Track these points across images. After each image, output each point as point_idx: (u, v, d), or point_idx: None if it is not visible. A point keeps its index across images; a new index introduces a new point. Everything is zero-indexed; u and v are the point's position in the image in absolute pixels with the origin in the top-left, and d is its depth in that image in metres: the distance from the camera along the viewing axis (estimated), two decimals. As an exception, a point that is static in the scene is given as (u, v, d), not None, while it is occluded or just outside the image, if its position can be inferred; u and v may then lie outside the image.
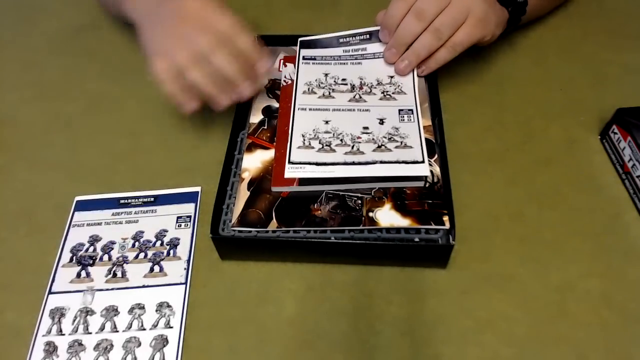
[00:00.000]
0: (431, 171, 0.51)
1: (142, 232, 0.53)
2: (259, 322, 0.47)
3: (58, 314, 0.48)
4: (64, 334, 0.47)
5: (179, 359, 0.45)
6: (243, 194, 0.50)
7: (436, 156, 0.52)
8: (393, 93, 0.57)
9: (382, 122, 0.54)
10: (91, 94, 0.66)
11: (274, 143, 0.54)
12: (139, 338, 0.46)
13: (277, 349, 0.45)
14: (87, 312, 0.48)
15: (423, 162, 0.51)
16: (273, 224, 0.48)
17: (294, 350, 0.45)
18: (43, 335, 0.47)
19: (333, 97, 0.57)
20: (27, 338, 0.47)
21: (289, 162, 0.51)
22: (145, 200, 0.55)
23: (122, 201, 0.55)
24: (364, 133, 0.53)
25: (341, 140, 0.53)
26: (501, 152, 0.57)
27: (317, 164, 0.51)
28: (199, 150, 0.59)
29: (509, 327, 0.46)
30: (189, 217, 0.54)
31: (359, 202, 0.49)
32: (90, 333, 0.47)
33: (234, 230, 0.49)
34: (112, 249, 0.52)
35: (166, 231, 0.53)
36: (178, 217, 0.54)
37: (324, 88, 0.58)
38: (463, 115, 0.60)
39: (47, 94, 0.67)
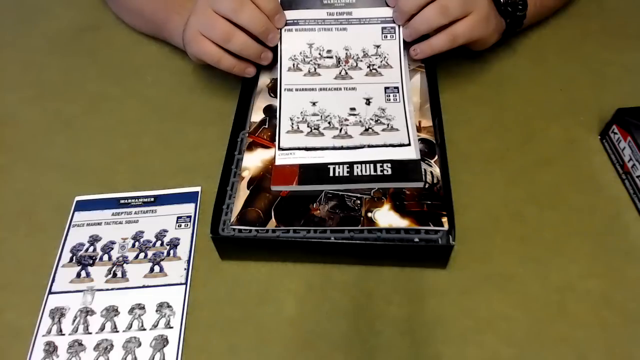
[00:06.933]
0: (431, 172, 0.51)
1: (142, 232, 0.53)
2: (259, 322, 0.47)
3: (58, 314, 0.48)
4: (64, 334, 0.47)
5: (179, 359, 0.45)
6: (243, 193, 0.50)
7: (436, 157, 0.52)
8: (379, 67, 0.57)
9: (368, 102, 0.54)
10: (91, 94, 0.66)
11: (275, 142, 0.54)
12: (139, 338, 0.46)
13: (277, 349, 0.45)
14: (87, 312, 0.48)
15: (409, 144, 0.51)
16: (272, 223, 0.48)
17: (294, 350, 0.45)
18: (43, 335, 0.47)
19: (319, 75, 0.56)
20: (27, 338, 0.47)
21: (279, 149, 0.52)
22: (145, 200, 0.55)
23: (122, 201, 0.55)
24: (351, 115, 0.54)
25: (329, 123, 0.53)
26: (501, 152, 0.57)
27: (306, 149, 0.52)
28: (199, 150, 0.59)
29: (509, 327, 0.46)
30: (189, 217, 0.54)
31: (358, 202, 0.49)
32: (90, 333, 0.47)
33: (233, 229, 0.49)
34: (112, 249, 0.52)
35: (166, 231, 0.53)
36: (178, 217, 0.54)
37: (309, 63, 0.57)
38: (463, 116, 0.60)
39: (47, 94, 0.67)
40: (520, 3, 0.60)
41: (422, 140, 0.53)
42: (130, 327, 0.47)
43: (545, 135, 0.59)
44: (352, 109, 0.54)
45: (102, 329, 0.47)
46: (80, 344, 0.46)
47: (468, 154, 0.57)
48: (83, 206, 0.55)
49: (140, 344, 0.46)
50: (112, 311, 0.48)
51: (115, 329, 0.47)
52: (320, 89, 0.56)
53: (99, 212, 0.55)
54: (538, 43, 0.68)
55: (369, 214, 0.48)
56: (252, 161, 0.53)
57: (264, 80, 0.60)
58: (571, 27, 0.70)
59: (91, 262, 0.51)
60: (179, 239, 0.52)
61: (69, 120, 0.64)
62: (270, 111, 0.57)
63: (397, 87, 0.55)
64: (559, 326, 0.46)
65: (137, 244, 0.52)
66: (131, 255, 0.51)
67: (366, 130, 0.53)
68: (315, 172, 0.51)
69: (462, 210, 0.50)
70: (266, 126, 0.56)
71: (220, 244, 0.49)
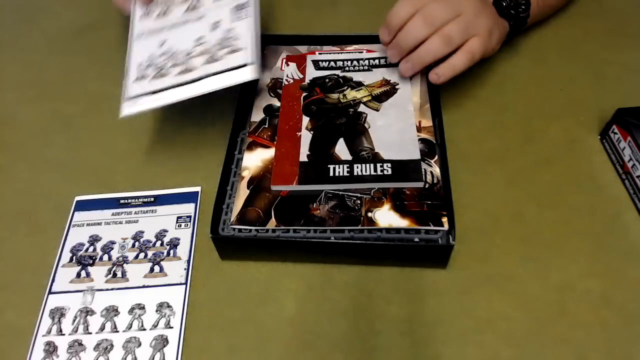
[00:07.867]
0: (431, 172, 0.51)
1: (142, 232, 0.53)
2: (259, 322, 0.47)
3: (58, 314, 0.48)
4: (64, 334, 0.47)
5: (179, 359, 0.45)
6: (243, 193, 0.51)
7: (436, 157, 0.52)
8: None
9: (215, 27, 0.54)
10: (91, 94, 0.66)
11: (275, 142, 0.54)
12: (139, 338, 0.46)
13: (277, 349, 0.45)
14: (87, 312, 0.48)
15: (251, 63, 0.51)
16: (272, 223, 0.48)
17: (294, 350, 0.45)
18: (43, 335, 0.47)
19: (170, 13, 0.56)
20: (27, 338, 0.47)
21: (125, 99, 0.52)
22: (145, 200, 0.55)
23: (122, 201, 0.55)
24: (197, 45, 0.53)
25: (175, 60, 0.53)
26: (501, 152, 0.57)
27: (150, 93, 0.52)
28: (199, 150, 0.59)
29: (509, 327, 0.46)
30: (189, 217, 0.54)
31: (358, 202, 0.49)
32: (90, 333, 0.47)
33: (233, 229, 0.49)
34: (112, 249, 0.52)
35: (166, 231, 0.53)
36: (178, 217, 0.54)
37: (160, 4, 0.56)
38: (463, 115, 0.60)
39: (47, 94, 0.67)
40: (523, 3, 0.60)
41: (422, 140, 0.53)
42: (130, 327, 0.47)
43: (545, 135, 0.59)
44: (199, 38, 0.54)
45: (102, 329, 0.47)
46: (80, 344, 0.46)
47: (468, 154, 0.57)
48: (83, 206, 0.55)
49: (140, 344, 0.46)
50: (112, 311, 0.48)
51: (115, 329, 0.47)
52: (170, 28, 0.55)
53: (99, 212, 0.55)
54: (538, 43, 0.68)
55: (369, 214, 0.48)
56: (252, 161, 0.53)
57: (264, 80, 0.60)
58: (571, 26, 0.70)
59: (91, 262, 0.51)
60: (179, 239, 0.52)
61: (69, 120, 0.64)
62: (270, 111, 0.57)
63: (247, 2, 0.55)
64: (559, 326, 0.46)
65: (137, 244, 0.52)
66: (131, 255, 0.51)
67: (210, 57, 0.52)
68: (316, 172, 0.51)
69: (462, 210, 0.50)
70: (266, 126, 0.56)
71: (220, 243, 0.49)
